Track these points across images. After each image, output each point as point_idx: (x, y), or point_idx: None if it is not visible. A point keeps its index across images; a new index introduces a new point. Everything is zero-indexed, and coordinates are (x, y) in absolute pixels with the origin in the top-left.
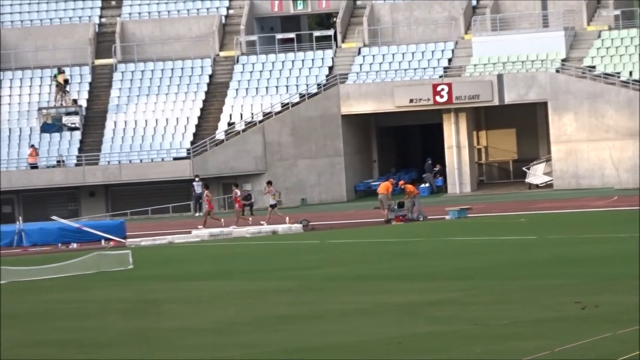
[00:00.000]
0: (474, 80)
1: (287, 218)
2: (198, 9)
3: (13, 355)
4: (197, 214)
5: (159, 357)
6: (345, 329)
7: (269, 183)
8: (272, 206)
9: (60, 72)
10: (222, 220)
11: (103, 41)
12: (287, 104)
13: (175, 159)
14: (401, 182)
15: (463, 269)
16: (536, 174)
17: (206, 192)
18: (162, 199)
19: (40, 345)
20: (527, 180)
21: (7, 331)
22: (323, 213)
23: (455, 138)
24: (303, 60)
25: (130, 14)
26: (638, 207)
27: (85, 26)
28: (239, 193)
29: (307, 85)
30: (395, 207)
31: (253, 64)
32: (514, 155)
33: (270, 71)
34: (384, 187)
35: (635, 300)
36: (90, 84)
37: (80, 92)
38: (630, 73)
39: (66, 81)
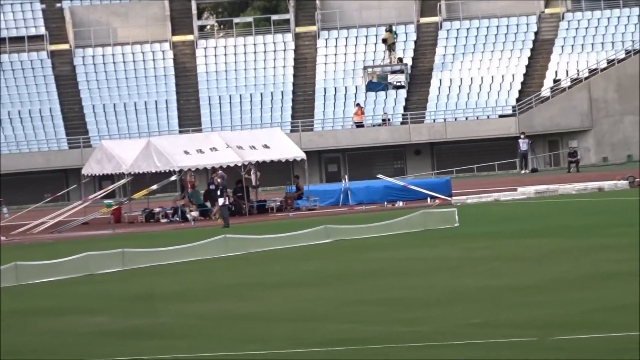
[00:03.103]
0: None
1: None
2: None
3: (348, 310)
4: (523, 171)
5: (482, 317)
6: None
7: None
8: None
9: (389, 30)
10: None
11: None
12: (613, 60)
13: (500, 116)
14: None
15: None
16: None
17: None
18: (487, 157)
19: (365, 304)
20: None
21: (334, 289)
22: None
23: None
24: (629, 17)
25: None
26: None
27: None
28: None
29: (633, 41)
30: None
31: (579, 20)
32: None
33: (596, 27)
34: None
35: None
36: (415, 42)
37: (405, 51)
38: None
39: (384, 40)
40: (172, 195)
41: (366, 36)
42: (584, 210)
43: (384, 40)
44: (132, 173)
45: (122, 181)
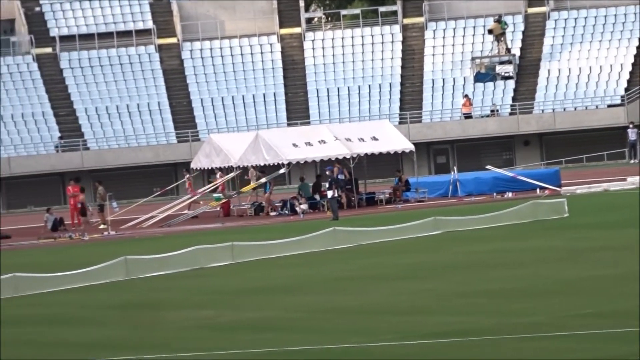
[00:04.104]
0: None
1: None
2: None
3: (456, 302)
4: (632, 161)
5: (591, 308)
6: None
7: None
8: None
9: (498, 21)
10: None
11: None
12: None
13: (609, 106)
14: None
15: None
16: None
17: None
18: (596, 147)
19: (473, 295)
20: None
21: (442, 281)
22: None
23: None
24: None
25: None
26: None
27: None
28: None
29: None
30: None
31: None
32: None
33: None
34: None
35: None
36: (523, 32)
37: (513, 41)
38: None
39: (490, 31)
40: (281, 188)
41: (474, 27)
42: None
43: (490, 31)
44: (241, 166)
45: (231, 174)
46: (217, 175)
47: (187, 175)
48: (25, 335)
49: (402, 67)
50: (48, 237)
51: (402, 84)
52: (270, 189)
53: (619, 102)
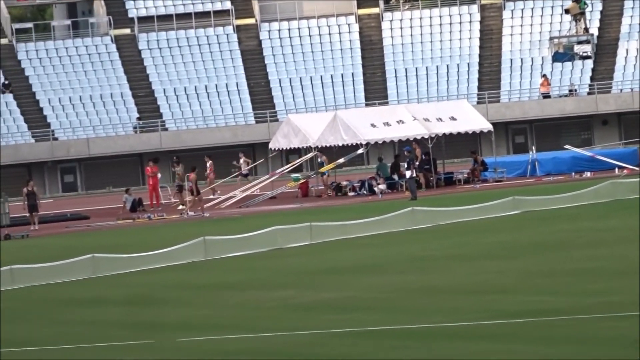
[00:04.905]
0: None
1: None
2: None
3: (537, 282)
4: None
5: None
6: None
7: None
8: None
9: (577, 1)
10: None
11: None
12: None
13: None
14: None
15: None
16: None
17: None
18: None
19: (553, 275)
20: None
21: (522, 260)
22: None
23: None
24: None
25: None
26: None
27: None
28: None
29: None
30: None
31: None
32: None
33: None
34: None
35: None
36: (601, 12)
37: (591, 21)
38: None
39: (567, 10)
40: (359, 168)
41: (552, 7)
42: None
43: (567, 11)
44: (319, 147)
45: (309, 155)
46: (241, 160)
47: (210, 162)
48: (106, 316)
49: (480, 47)
50: (127, 218)
51: (480, 64)
52: (327, 172)
53: None
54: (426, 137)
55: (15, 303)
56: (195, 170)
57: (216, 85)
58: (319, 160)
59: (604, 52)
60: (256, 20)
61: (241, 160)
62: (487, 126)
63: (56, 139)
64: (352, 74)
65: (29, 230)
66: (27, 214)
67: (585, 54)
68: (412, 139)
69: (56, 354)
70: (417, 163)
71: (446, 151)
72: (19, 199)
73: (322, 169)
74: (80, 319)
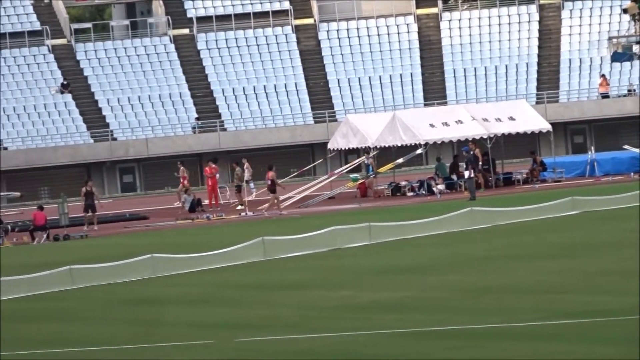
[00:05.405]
0: None
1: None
2: None
3: (596, 282)
4: None
5: None
6: None
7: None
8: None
9: (635, 0)
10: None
11: None
12: None
13: None
14: None
15: None
16: None
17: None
18: None
19: (613, 275)
20: None
21: (581, 260)
22: None
23: None
24: None
25: None
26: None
27: None
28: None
29: None
30: None
31: None
32: None
33: None
34: None
35: None
36: None
37: None
38: None
39: (625, 10)
40: (418, 168)
41: (610, 6)
42: None
43: (625, 11)
44: (378, 147)
45: (360, 159)
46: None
47: (181, 168)
48: (165, 316)
49: (539, 47)
50: (186, 218)
51: (538, 64)
52: (374, 172)
53: None
54: (485, 137)
55: (74, 303)
56: (273, 169)
57: (275, 85)
58: (366, 162)
59: None
60: (315, 20)
61: (245, 167)
62: (546, 126)
63: (115, 139)
64: (411, 74)
65: (86, 230)
66: (83, 214)
67: None
68: (470, 139)
69: (115, 353)
70: (481, 163)
71: (505, 151)
72: (78, 199)
73: (382, 169)
74: (139, 319)
